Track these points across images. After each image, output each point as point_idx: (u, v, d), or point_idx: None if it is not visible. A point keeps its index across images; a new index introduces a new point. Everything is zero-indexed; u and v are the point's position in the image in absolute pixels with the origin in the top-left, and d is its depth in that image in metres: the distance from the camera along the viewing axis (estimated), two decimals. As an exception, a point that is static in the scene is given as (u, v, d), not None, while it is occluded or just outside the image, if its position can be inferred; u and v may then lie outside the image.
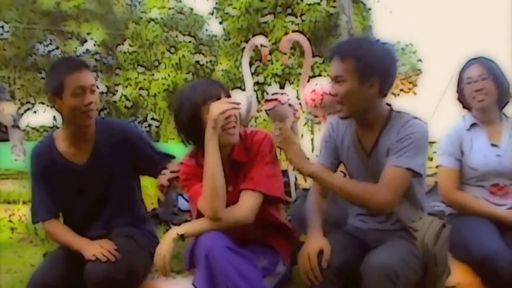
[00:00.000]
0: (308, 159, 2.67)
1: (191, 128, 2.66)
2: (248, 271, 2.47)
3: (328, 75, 12.49)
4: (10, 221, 6.79)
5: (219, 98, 2.61)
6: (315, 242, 2.63)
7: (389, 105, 2.74)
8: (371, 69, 2.57)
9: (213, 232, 2.53)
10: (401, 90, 29.18)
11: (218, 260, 2.44)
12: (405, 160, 2.57)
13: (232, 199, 2.64)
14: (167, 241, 2.61)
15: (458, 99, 3.42)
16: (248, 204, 2.65)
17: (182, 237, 2.62)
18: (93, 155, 2.96)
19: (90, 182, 2.96)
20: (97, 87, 2.96)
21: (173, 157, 3.14)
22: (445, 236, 2.66)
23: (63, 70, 2.80)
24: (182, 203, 5.78)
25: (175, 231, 2.63)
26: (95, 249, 2.75)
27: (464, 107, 3.41)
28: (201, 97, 2.62)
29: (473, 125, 3.36)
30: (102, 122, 3.00)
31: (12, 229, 6.56)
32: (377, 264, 2.42)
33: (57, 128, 3.13)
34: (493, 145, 3.32)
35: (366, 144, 2.74)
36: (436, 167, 3.37)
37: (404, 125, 2.62)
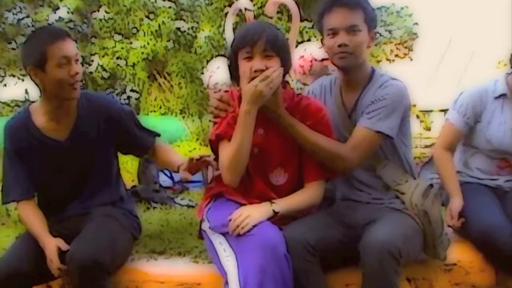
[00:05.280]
0: None
1: (231, 70, 2.79)
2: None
3: (317, 40, 12.41)
4: (-20, 202, 6.73)
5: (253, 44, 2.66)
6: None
7: (372, 66, 2.88)
8: (374, 19, 2.79)
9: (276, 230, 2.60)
10: (396, 55, 29.10)
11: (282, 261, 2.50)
12: (376, 122, 2.69)
13: (261, 143, 2.75)
14: (261, 213, 2.63)
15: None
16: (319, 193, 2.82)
17: (275, 215, 2.66)
18: (74, 131, 2.93)
19: (69, 159, 2.94)
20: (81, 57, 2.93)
21: (159, 135, 3.15)
22: (433, 194, 2.77)
23: (44, 40, 2.77)
24: (164, 180, 5.76)
25: (270, 207, 2.66)
26: (57, 242, 2.75)
27: None
28: (238, 41, 2.74)
29: (502, 95, 3.34)
30: (85, 95, 2.97)
31: (-18, 211, 6.52)
32: (379, 241, 2.45)
33: (30, 102, 3.10)
34: None
35: (348, 105, 2.86)
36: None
37: (381, 85, 2.75)
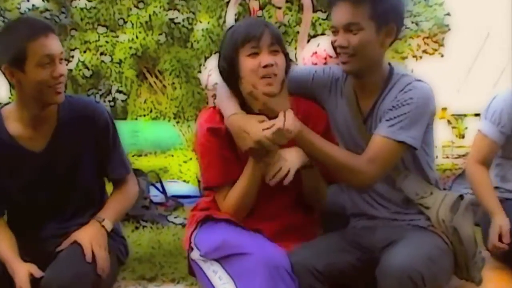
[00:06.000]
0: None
1: (229, 71, 2.81)
2: None
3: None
4: None
5: (259, 38, 2.70)
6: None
7: (390, 64, 2.83)
8: (389, 15, 2.69)
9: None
10: (424, 51, 29.03)
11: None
12: (398, 130, 2.65)
13: None
14: (299, 159, 2.70)
15: None
16: None
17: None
18: (53, 141, 2.92)
19: (47, 172, 2.94)
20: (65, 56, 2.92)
21: (129, 172, 3.12)
22: (464, 207, 2.74)
23: (24, 35, 2.75)
24: (155, 195, 5.75)
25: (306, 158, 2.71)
26: (29, 268, 2.74)
27: None
28: (241, 37, 2.74)
29: None
30: (68, 99, 2.95)
31: None
32: (397, 266, 2.44)
33: (0, 104, 3.09)
34: None
35: (364, 109, 2.83)
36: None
37: (403, 88, 2.71)
